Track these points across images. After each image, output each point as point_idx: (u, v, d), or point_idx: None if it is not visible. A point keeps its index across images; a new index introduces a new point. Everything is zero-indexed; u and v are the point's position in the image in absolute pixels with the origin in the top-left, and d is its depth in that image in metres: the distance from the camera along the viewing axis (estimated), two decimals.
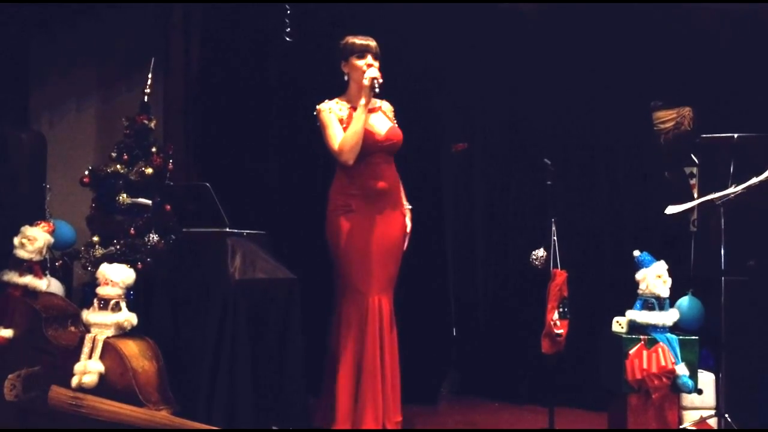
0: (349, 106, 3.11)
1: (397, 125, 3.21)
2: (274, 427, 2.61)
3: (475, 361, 4.12)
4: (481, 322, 4.13)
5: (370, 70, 3.03)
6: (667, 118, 3.93)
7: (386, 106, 3.25)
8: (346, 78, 3.13)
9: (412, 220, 3.28)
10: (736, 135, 3.42)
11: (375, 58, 3.08)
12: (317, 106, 3.11)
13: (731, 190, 3.15)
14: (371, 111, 3.15)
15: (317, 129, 3.13)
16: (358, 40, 3.09)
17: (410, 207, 3.26)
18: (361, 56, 3.07)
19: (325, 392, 3.11)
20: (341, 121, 3.07)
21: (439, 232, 4.06)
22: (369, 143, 3.06)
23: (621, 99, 3.95)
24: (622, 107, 3.95)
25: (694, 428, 3.21)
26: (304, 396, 3.05)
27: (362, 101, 3.02)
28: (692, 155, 3.82)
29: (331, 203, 3.14)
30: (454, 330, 4.20)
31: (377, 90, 2.99)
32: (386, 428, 3.01)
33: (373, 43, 3.10)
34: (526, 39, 4.02)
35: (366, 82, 3.01)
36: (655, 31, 3.92)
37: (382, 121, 3.17)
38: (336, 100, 3.13)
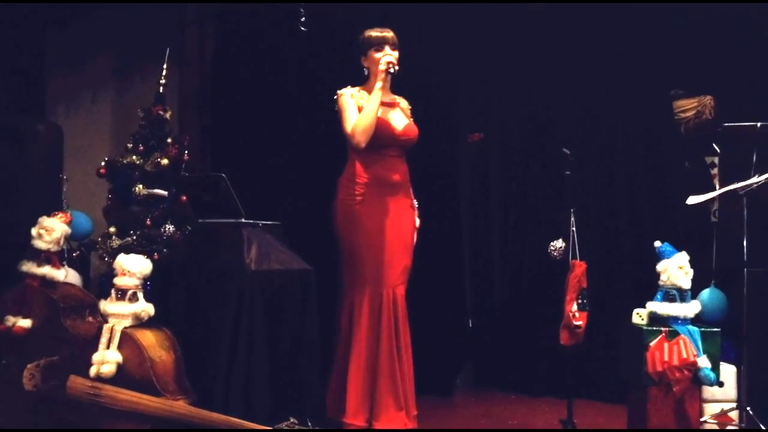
0: (368, 96, 3.09)
1: (413, 122, 3.20)
2: (291, 419, 2.61)
3: (491, 352, 4.10)
4: (498, 314, 4.10)
5: (386, 56, 3.04)
6: (688, 107, 3.87)
7: (404, 104, 3.26)
8: (366, 72, 3.13)
9: (425, 213, 3.27)
10: (759, 124, 3.36)
11: (393, 48, 3.08)
12: (338, 91, 3.11)
13: (754, 179, 3.10)
14: (390, 105, 3.17)
15: (333, 118, 3.12)
16: (375, 33, 3.09)
17: (417, 204, 3.24)
18: (379, 48, 3.07)
19: (332, 384, 3.10)
20: (360, 108, 3.06)
21: (455, 223, 4.03)
22: (386, 136, 3.07)
23: (641, 87, 3.90)
24: (642, 96, 3.90)
25: (714, 421, 3.17)
26: (321, 386, 3.05)
27: (378, 84, 3.02)
28: (714, 145, 3.76)
29: (341, 191, 3.14)
30: (470, 321, 4.17)
31: (392, 72, 3.00)
32: (405, 422, 3.00)
33: (389, 34, 3.09)
34: (543, 28, 3.98)
35: (382, 66, 3.01)
36: (675, 18, 3.85)
37: (400, 117, 3.18)
38: (357, 88, 3.14)
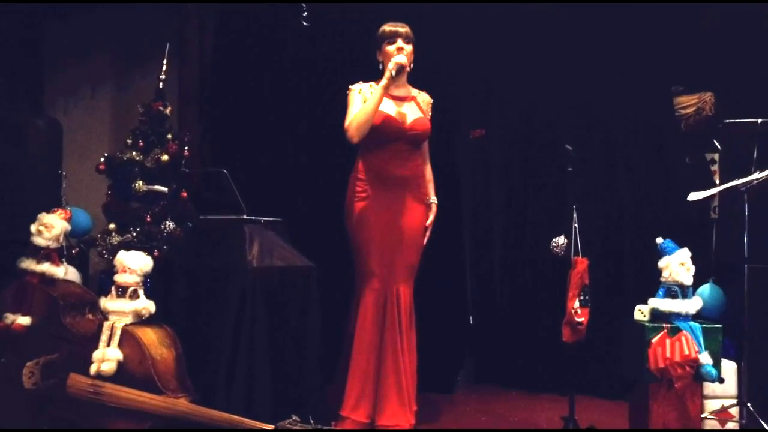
0: None
1: (429, 118, 3.18)
2: (293, 416, 2.60)
3: (492, 349, 4.10)
4: (499, 310, 4.10)
5: (397, 56, 3.02)
6: (688, 103, 3.87)
7: (423, 98, 3.22)
8: (381, 67, 3.11)
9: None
10: (759, 120, 3.36)
11: (406, 41, 3.08)
12: (350, 86, 3.10)
13: (755, 176, 3.10)
14: (403, 99, 3.15)
15: (335, 113, 3.11)
16: (388, 27, 3.09)
17: (435, 201, 3.23)
18: (392, 42, 3.07)
19: (338, 378, 3.11)
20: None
21: (456, 220, 4.02)
22: (392, 130, 3.06)
23: (642, 84, 3.89)
24: (643, 92, 3.89)
25: (715, 418, 3.17)
26: (322, 383, 3.04)
27: (382, 82, 3.01)
28: (714, 141, 3.76)
29: (351, 188, 3.13)
30: (471, 318, 4.17)
31: (393, 73, 2.98)
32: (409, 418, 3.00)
33: (403, 29, 3.08)
34: (545, 25, 3.97)
35: (390, 65, 3.00)
36: (676, 15, 3.85)
37: (413, 110, 3.16)
38: (371, 83, 3.12)
